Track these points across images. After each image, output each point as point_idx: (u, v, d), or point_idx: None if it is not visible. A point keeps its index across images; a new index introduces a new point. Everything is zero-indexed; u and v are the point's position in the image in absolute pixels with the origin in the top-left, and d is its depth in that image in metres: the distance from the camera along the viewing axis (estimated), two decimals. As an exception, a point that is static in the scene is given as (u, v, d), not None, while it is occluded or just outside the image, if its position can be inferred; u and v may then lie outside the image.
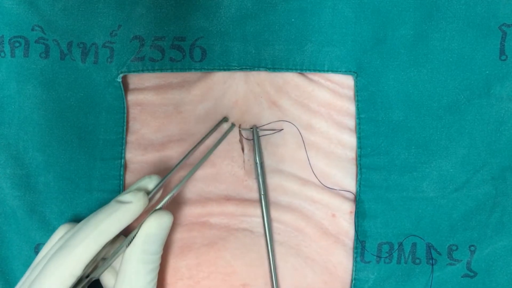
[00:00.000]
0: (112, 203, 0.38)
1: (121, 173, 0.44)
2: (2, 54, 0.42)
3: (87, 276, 0.38)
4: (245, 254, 0.44)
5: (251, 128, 0.44)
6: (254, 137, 0.44)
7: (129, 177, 0.44)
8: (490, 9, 0.43)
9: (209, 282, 0.43)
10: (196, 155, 0.44)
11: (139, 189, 0.39)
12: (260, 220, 0.44)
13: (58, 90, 0.43)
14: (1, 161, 0.43)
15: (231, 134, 0.45)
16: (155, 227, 0.38)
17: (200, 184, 0.45)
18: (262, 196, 0.44)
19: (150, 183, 0.40)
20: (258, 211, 0.44)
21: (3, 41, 0.42)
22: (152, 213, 0.39)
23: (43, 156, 0.43)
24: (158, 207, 0.40)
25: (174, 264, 0.44)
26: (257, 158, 0.44)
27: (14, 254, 0.44)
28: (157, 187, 0.40)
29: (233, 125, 0.44)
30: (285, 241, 0.44)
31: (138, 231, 0.38)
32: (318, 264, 0.44)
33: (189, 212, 0.44)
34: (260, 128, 0.45)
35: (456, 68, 0.43)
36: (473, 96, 0.43)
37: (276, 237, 0.44)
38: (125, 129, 0.44)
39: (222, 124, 0.44)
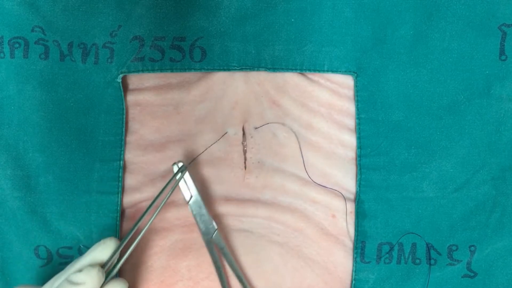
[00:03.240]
0: (65, 284, 0.36)
1: (120, 174, 0.43)
2: (2, 55, 0.42)
3: None
4: (245, 254, 0.44)
5: (177, 165, 0.42)
6: (180, 175, 0.42)
7: (128, 178, 0.44)
8: (490, 9, 0.43)
9: (209, 282, 0.43)
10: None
11: (93, 264, 0.37)
12: (261, 220, 0.44)
13: (58, 91, 0.43)
14: (1, 162, 0.43)
15: (233, 137, 0.44)
16: None
17: (199, 185, 0.45)
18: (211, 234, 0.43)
19: (106, 249, 0.38)
20: (258, 212, 0.44)
21: (2, 41, 0.42)
22: (106, 283, 0.37)
23: (43, 157, 0.43)
24: (112, 275, 0.38)
25: (174, 265, 0.44)
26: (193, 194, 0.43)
27: (15, 255, 0.44)
28: (114, 254, 0.38)
29: (185, 169, 0.42)
30: (285, 242, 0.44)
31: None
32: (319, 264, 0.44)
33: (189, 213, 0.44)
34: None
35: (456, 68, 0.43)
36: (473, 96, 0.43)
37: (276, 238, 0.44)
38: (124, 130, 0.43)
39: (178, 174, 0.42)
